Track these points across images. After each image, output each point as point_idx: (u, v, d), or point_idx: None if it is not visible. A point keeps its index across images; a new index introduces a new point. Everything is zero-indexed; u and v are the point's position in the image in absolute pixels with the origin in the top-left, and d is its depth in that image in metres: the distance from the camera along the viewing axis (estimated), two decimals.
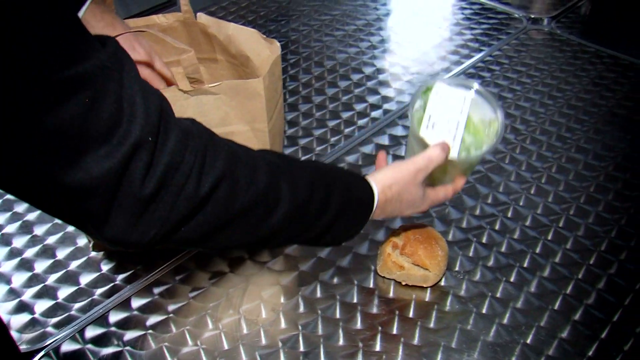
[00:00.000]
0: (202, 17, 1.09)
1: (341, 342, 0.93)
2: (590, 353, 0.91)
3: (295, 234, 0.76)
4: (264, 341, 0.93)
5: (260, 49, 1.02)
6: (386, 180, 0.84)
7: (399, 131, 1.34)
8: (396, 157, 1.25)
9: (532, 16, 1.76)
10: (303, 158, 1.26)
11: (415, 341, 0.93)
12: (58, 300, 1.00)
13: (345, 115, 1.39)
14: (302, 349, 0.92)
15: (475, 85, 0.91)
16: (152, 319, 0.96)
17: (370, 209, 0.82)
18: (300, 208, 0.73)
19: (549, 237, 1.08)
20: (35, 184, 0.54)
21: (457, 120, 0.86)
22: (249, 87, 0.93)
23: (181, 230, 0.63)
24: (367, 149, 1.29)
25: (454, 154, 0.85)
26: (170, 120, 0.60)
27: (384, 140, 1.32)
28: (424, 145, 0.86)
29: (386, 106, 1.42)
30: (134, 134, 0.55)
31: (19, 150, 0.50)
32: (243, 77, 1.07)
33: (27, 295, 1.01)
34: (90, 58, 0.52)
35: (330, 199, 0.77)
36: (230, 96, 0.93)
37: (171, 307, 0.98)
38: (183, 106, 0.91)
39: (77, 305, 0.99)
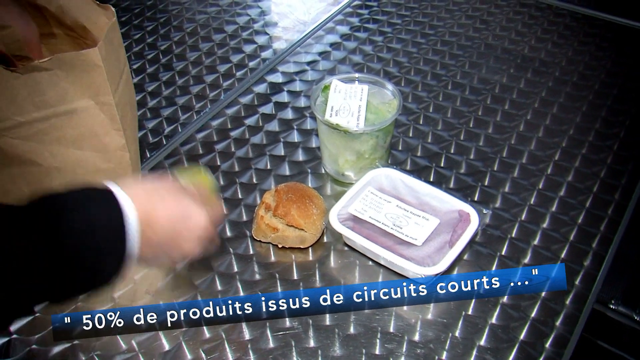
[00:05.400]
0: None
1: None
2: None
3: None
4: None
5: (96, 16, 1.00)
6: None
7: (262, 89, 1.35)
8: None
9: None
10: (167, 129, 1.25)
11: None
12: None
13: (209, 78, 1.39)
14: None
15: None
16: (17, 323, 0.94)
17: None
18: None
19: (431, 179, 1.12)
20: None
21: (358, 105, 1.05)
22: (84, 58, 0.90)
23: None
24: (233, 110, 1.30)
25: (359, 127, 1.02)
26: None
27: (249, 100, 1.32)
28: (332, 128, 1.03)
29: (251, 64, 1.43)
30: None
31: None
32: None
33: None
34: None
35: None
36: (66, 70, 0.91)
37: (38, 307, 0.96)
38: (14, 87, 0.88)
39: None
